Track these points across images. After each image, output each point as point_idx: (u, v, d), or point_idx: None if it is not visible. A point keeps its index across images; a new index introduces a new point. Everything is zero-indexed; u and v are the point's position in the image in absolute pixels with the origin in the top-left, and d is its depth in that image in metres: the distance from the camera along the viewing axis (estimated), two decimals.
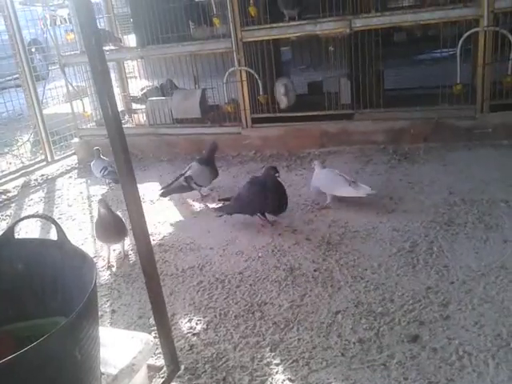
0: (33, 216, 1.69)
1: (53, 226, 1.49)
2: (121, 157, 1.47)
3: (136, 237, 1.58)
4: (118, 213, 2.90)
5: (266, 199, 2.91)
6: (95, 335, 1.36)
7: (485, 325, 1.88)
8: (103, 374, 1.53)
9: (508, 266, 2.24)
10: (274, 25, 4.16)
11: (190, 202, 3.56)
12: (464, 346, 1.79)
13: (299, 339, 1.95)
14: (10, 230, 1.59)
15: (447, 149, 3.80)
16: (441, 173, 3.42)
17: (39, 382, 1.16)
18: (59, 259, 1.54)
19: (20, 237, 1.67)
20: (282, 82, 4.42)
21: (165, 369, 1.68)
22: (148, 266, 1.57)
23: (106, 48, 4.76)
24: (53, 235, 1.55)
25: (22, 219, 1.68)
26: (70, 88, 4.95)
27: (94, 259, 2.78)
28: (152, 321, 2.19)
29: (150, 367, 1.68)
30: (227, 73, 4.34)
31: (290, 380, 1.75)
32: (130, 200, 1.54)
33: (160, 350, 1.75)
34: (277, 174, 2.89)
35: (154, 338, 1.86)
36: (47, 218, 1.63)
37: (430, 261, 2.38)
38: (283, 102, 4.39)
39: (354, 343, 1.88)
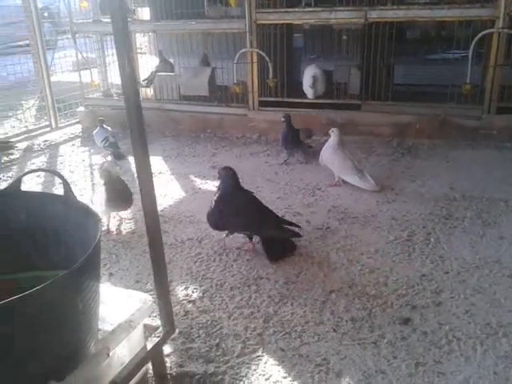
0: (41, 170, 1.72)
1: (57, 185, 1.51)
2: (134, 116, 1.47)
3: (144, 201, 1.58)
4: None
5: None
6: (96, 289, 1.39)
7: (475, 314, 1.92)
8: (100, 330, 1.55)
9: (503, 261, 2.28)
10: (290, 9, 4.16)
11: (192, 178, 3.58)
12: (454, 331, 1.83)
13: (292, 313, 1.99)
14: (18, 181, 1.60)
15: (451, 146, 3.83)
16: (443, 169, 3.46)
17: (38, 327, 1.18)
18: (63, 213, 1.55)
19: (26, 189, 1.68)
20: (309, 72, 4.33)
21: (160, 329, 1.70)
22: (152, 227, 1.58)
23: None
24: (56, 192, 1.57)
25: (31, 172, 1.72)
26: (80, 56, 4.94)
27: None
28: (149, 286, 2.22)
29: (146, 327, 1.71)
30: (238, 54, 4.34)
31: (281, 350, 1.79)
32: (141, 165, 1.52)
33: (156, 313, 1.78)
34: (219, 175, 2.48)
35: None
36: (54, 173, 1.65)
37: (426, 250, 2.42)
38: (309, 93, 4.34)
39: (346, 321, 1.92)
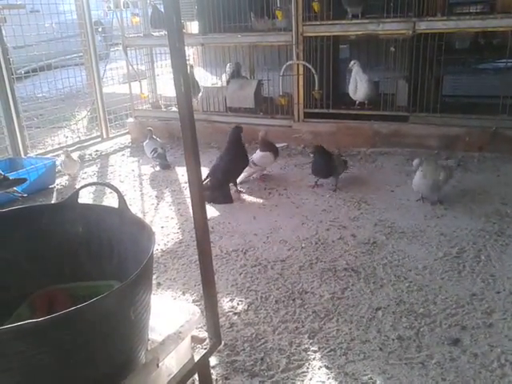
0: (97, 183, 1.79)
1: (107, 194, 1.56)
2: (188, 133, 1.50)
3: (194, 212, 1.62)
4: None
5: None
6: (148, 301, 1.43)
7: None
8: (149, 339, 1.60)
9: None
10: (337, 21, 4.16)
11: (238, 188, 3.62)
12: (506, 354, 1.77)
13: (338, 330, 1.98)
14: (75, 194, 1.67)
15: (503, 160, 3.72)
16: (494, 183, 3.36)
17: (94, 336, 1.23)
18: (118, 226, 1.60)
19: (83, 201, 1.75)
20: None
21: (207, 341, 1.73)
22: (202, 238, 1.62)
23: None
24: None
25: (88, 185, 1.77)
26: (130, 69, 5.10)
27: None
28: (195, 297, 2.27)
29: (193, 338, 1.74)
30: (284, 66, 4.37)
31: (326, 367, 1.78)
32: (193, 177, 1.56)
33: (203, 325, 1.81)
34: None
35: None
36: (111, 187, 1.71)
37: (477, 268, 2.35)
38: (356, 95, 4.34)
39: (393, 340, 1.89)
